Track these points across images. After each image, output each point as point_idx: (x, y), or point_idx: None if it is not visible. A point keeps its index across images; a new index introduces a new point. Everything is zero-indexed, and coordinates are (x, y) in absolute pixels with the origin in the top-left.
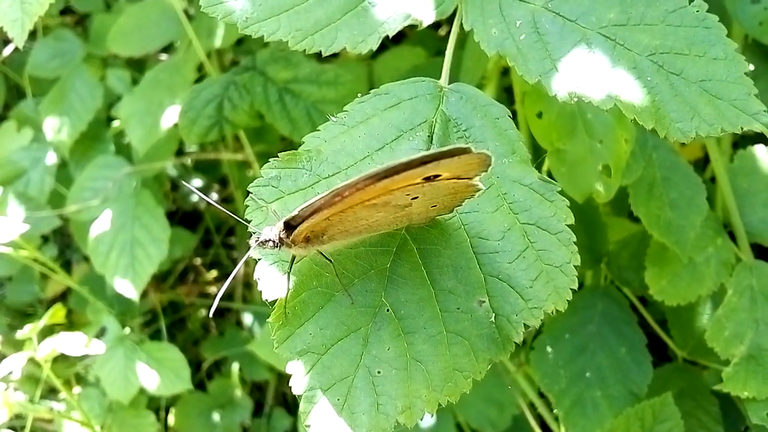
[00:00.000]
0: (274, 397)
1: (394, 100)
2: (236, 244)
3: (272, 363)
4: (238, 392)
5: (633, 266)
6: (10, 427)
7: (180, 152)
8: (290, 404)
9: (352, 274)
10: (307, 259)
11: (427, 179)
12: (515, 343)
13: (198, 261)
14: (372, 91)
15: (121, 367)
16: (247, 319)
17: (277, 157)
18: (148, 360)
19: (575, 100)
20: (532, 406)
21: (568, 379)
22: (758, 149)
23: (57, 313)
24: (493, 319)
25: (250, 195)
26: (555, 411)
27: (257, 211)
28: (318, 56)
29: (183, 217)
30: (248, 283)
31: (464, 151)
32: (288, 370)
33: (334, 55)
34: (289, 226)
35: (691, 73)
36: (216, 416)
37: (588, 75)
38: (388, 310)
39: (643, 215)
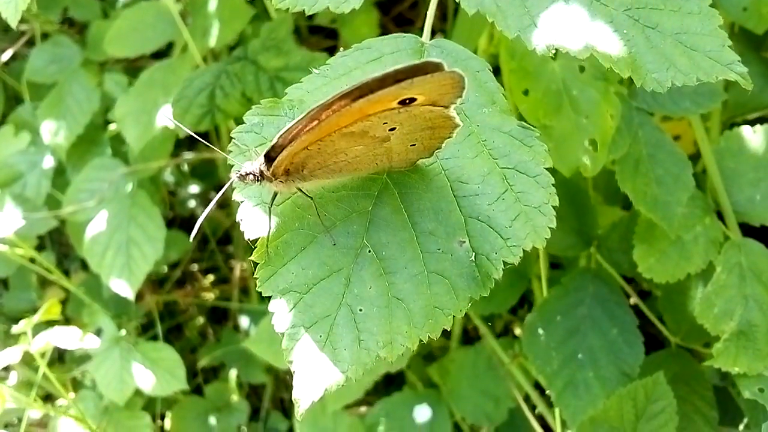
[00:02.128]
0: (270, 401)
1: (376, 54)
2: (233, 253)
3: (268, 360)
4: (235, 396)
5: (623, 248)
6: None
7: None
8: (287, 408)
9: (334, 216)
10: (289, 202)
11: (403, 104)
12: (495, 279)
13: (195, 267)
14: (354, 45)
15: (116, 367)
16: (244, 322)
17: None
18: (143, 360)
19: (553, 52)
20: (527, 399)
21: (560, 360)
22: (745, 130)
23: (52, 309)
24: (473, 258)
25: (233, 140)
26: (547, 392)
27: (240, 156)
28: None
29: (181, 223)
30: (245, 288)
31: (437, 67)
32: (270, 308)
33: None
34: (270, 159)
35: (666, 27)
36: (212, 420)
37: (566, 29)
38: (369, 251)
39: (630, 191)
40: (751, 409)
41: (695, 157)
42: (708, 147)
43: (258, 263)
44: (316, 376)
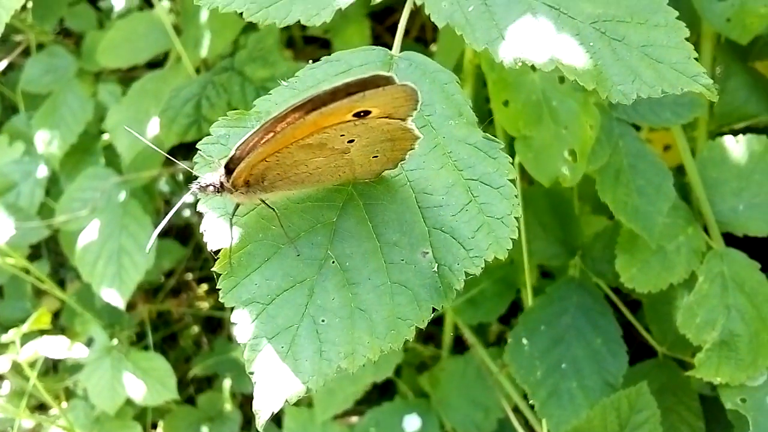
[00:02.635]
0: None
1: (345, 67)
2: None
3: None
4: (228, 406)
5: (606, 258)
6: None
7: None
8: (280, 417)
9: (298, 227)
10: (253, 213)
11: (358, 116)
12: (457, 290)
13: (189, 276)
14: (323, 58)
15: (107, 377)
16: None
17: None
18: (134, 370)
19: (519, 64)
20: (517, 410)
21: (544, 370)
22: (727, 140)
23: (42, 318)
24: (435, 268)
25: (199, 152)
26: (531, 402)
27: (206, 168)
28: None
29: (176, 233)
30: None
31: (387, 81)
32: (233, 319)
33: None
34: (229, 171)
35: (632, 39)
36: (205, 430)
37: (532, 41)
38: (333, 262)
39: (610, 201)
40: (737, 419)
41: (684, 168)
42: (690, 157)
43: (221, 274)
44: (276, 387)
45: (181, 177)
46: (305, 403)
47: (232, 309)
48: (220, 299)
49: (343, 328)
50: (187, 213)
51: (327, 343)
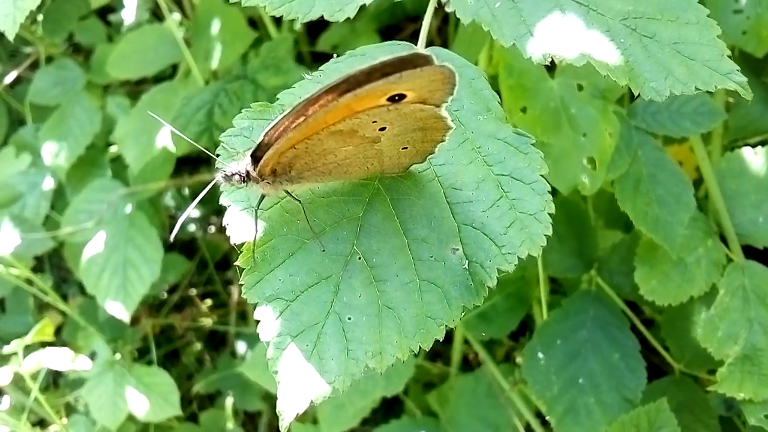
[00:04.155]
0: (266, 428)
1: (370, 61)
2: (232, 277)
3: (264, 385)
4: (230, 423)
5: (624, 271)
6: None
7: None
8: None
9: (323, 222)
10: (277, 206)
11: (392, 101)
12: (489, 288)
13: (193, 291)
14: (348, 52)
15: (109, 392)
16: (241, 348)
17: None
18: (137, 385)
19: (549, 60)
20: (528, 428)
21: (561, 385)
22: (746, 151)
23: (45, 330)
24: (466, 265)
25: (222, 144)
26: (548, 418)
27: (229, 160)
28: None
29: (181, 247)
30: (243, 313)
31: (426, 61)
32: (256, 316)
33: None
34: (256, 159)
35: (664, 36)
36: None
37: (562, 37)
38: (360, 258)
39: (630, 211)
40: None
41: (697, 184)
42: (709, 167)
43: (244, 269)
44: (301, 387)
45: (187, 191)
46: (310, 419)
47: (254, 306)
48: (242, 295)
49: (370, 326)
50: (192, 228)
51: (354, 342)
